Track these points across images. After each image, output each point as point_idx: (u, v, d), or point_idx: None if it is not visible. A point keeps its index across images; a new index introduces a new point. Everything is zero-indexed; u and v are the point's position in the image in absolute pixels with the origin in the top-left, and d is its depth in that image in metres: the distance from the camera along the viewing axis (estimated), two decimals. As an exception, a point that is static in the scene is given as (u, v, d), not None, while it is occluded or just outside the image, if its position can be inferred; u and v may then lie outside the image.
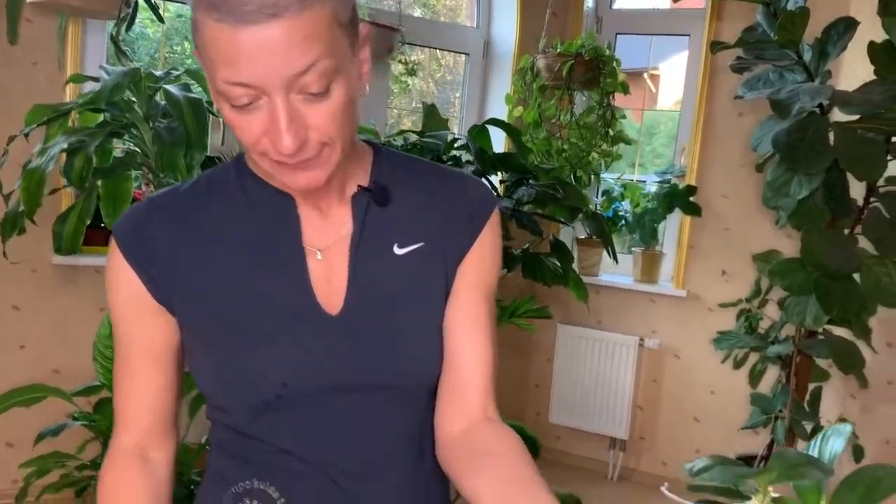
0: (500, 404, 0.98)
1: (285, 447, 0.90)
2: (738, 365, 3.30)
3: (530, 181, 2.32)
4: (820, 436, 0.76)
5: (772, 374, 3.30)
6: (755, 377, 3.21)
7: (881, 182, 2.87)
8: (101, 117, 2.30)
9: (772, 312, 3.26)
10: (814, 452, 0.74)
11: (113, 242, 0.90)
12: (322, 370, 0.88)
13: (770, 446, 3.08)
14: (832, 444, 0.74)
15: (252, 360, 0.87)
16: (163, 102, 2.22)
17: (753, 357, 3.22)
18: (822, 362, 3.09)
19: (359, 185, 0.94)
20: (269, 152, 0.79)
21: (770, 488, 0.66)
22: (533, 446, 2.74)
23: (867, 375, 3.00)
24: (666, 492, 0.71)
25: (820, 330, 3.04)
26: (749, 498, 0.66)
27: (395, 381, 0.91)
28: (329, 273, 0.91)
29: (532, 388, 4.23)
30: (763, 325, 3.28)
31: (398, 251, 0.93)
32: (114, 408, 0.95)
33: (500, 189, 2.77)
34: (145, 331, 0.91)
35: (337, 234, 0.93)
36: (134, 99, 2.24)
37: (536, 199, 2.26)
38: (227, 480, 0.93)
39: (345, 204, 0.94)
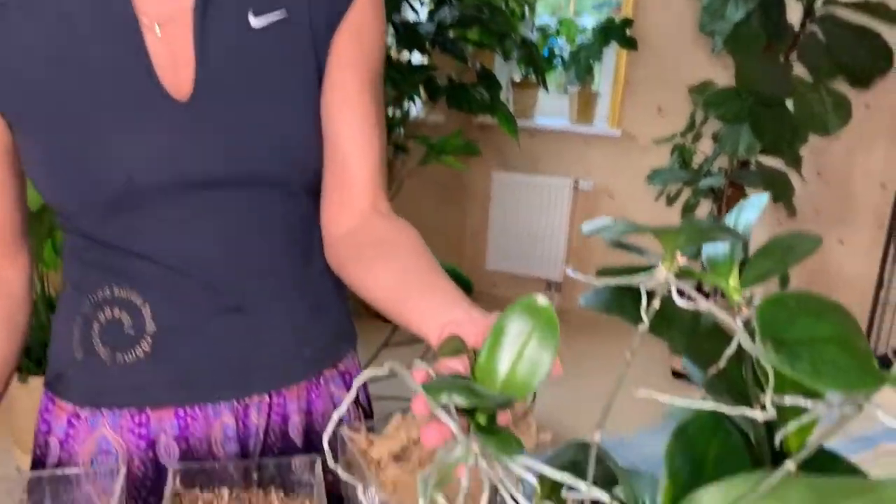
0: (437, 255, 0.88)
1: (142, 251, 0.80)
2: (671, 201, 3.29)
3: (454, 1, 2.14)
4: (736, 208, 0.69)
5: (704, 208, 3.31)
6: (688, 211, 3.21)
7: (818, 4, 2.77)
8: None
9: (705, 147, 3.22)
10: (729, 224, 0.68)
11: None
12: (171, 164, 0.77)
13: (700, 279, 3.13)
14: (746, 215, 0.67)
15: (89, 152, 0.75)
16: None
17: (686, 193, 3.21)
18: (752, 193, 3.10)
19: None
20: None
21: (678, 254, 0.58)
22: (466, 287, 2.71)
23: (795, 205, 3.02)
24: (570, 271, 0.64)
25: (752, 161, 3.03)
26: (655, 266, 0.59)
27: (260, 176, 0.80)
28: (173, 52, 0.78)
29: (469, 237, 4.20)
30: (696, 161, 3.25)
31: (254, 22, 0.79)
32: None
33: (422, 11, 2.58)
34: None
35: (177, 1, 0.78)
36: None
37: (461, 21, 2.09)
38: (85, 290, 0.83)
39: None
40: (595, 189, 3.82)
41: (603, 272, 0.68)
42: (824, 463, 0.59)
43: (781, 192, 2.89)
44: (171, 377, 0.83)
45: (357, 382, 0.47)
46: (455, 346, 0.55)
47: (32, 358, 2.42)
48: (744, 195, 3.09)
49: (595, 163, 3.82)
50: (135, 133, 0.75)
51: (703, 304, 0.56)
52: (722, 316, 0.56)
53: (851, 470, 0.59)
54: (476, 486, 0.59)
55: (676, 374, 3.27)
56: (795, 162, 2.91)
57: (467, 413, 0.50)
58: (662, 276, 0.59)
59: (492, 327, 0.52)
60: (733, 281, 0.63)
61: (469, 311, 0.63)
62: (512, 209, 3.92)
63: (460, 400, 0.44)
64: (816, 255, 3.60)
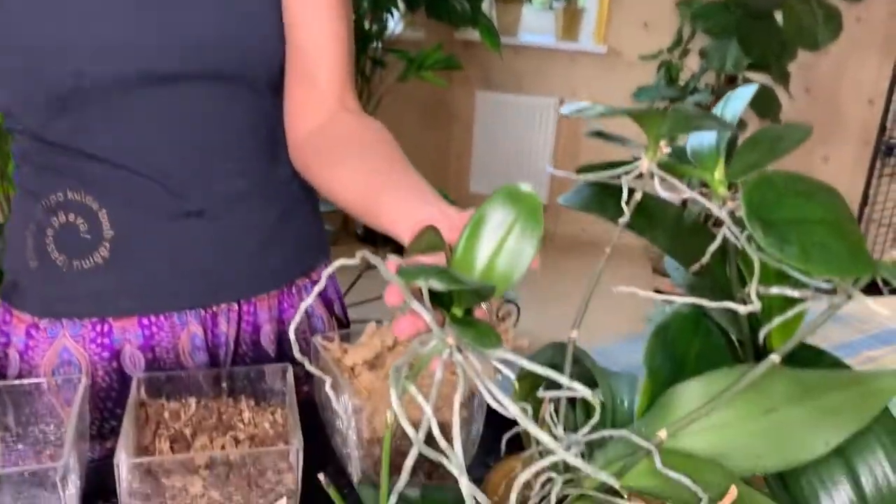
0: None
1: (95, 151, 0.75)
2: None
3: None
4: (724, 99, 0.65)
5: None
6: (673, 130, 3.16)
7: None
8: None
9: (692, 63, 3.15)
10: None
11: None
12: (124, 57, 0.71)
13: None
14: (734, 105, 0.63)
15: (34, 41, 0.69)
16: None
17: (672, 111, 3.16)
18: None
19: None
20: None
21: (662, 144, 0.55)
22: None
23: (782, 121, 2.98)
24: (550, 168, 0.61)
25: (739, 77, 2.97)
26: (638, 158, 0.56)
27: (218, 70, 0.75)
28: None
29: (452, 158, 4.14)
30: (683, 78, 3.18)
31: None
32: None
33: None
34: None
35: None
36: None
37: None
38: (38, 194, 0.79)
39: None
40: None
41: (584, 168, 0.64)
42: (808, 358, 0.58)
43: (768, 108, 2.84)
44: (133, 284, 0.80)
45: (326, 273, 0.45)
46: (429, 239, 0.52)
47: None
48: (730, 112, 3.04)
49: (580, 81, 3.74)
50: (80, 20, 0.70)
51: (688, 193, 0.53)
52: (708, 205, 0.53)
53: (835, 364, 0.57)
54: (450, 387, 0.57)
55: (659, 293, 3.28)
56: (783, 77, 2.86)
57: (443, 307, 0.47)
58: (645, 166, 0.56)
59: (471, 217, 0.49)
60: (718, 174, 0.59)
61: (443, 207, 0.60)
62: (496, 129, 3.85)
63: (437, 284, 0.40)
64: (800, 173, 3.57)
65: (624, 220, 0.55)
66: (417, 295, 0.44)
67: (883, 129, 2.86)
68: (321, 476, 0.40)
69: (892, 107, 2.84)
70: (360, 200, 0.69)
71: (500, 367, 0.45)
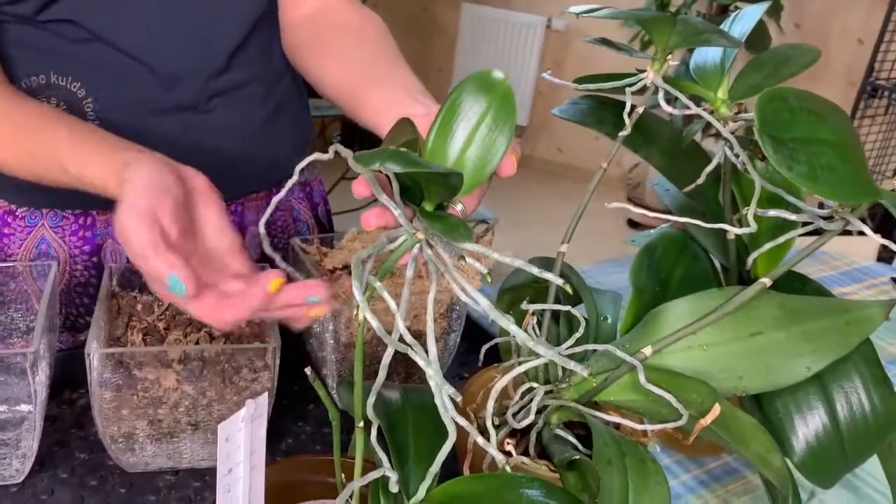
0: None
1: (88, 32, 0.70)
2: (644, 46, 3.18)
3: None
4: (731, 17, 0.63)
5: (678, 54, 3.22)
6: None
7: None
8: None
9: (685, -11, 3.08)
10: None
11: None
12: None
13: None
14: (742, 23, 0.61)
15: None
16: None
17: (661, 37, 3.10)
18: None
19: None
20: None
21: (669, 56, 0.53)
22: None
23: (770, 56, 2.94)
24: (547, 75, 0.58)
25: (731, 6, 2.91)
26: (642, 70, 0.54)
27: None
28: None
29: (434, 73, 4.05)
30: (675, 4, 3.12)
31: None
32: None
33: None
34: None
35: None
36: None
37: None
38: (18, 74, 0.73)
39: None
40: (568, 29, 3.67)
41: (582, 79, 0.62)
42: (793, 286, 0.57)
43: (758, 41, 2.79)
44: None
45: (301, 164, 0.43)
46: (404, 132, 0.49)
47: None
48: (719, 43, 3.00)
49: (571, 1, 3.65)
50: None
51: (695, 109, 0.52)
52: (713, 122, 0.52)
53: (819, 292, 0.57)
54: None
55: (632, 224, 3.30)
56: (775, 10, 2.81)
57: (415, 204, 0.45)
58: (650, 78, 0.54)
59: (443, 106, 0.46)
60: (722, 92, 0.58)
61: (427, 104, 0.58)
62: (480, 46, 3.76)
63: (393, 167, 0.38)
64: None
65: (624, 133, 0.54)
66: (388, 190, 0.42)
67: (871, 69, 2.85)
68: (308, 370, 0.39)
69: (882, 48, 2.81)
70: (347, 91, 0.66)
71: (473, 263, 0.44)
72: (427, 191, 0.45)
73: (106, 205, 0.76)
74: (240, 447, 0.36)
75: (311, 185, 0.94)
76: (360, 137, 2.90)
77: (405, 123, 0.49)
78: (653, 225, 0.57)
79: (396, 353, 0.75)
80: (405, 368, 0.73)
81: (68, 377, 0.69)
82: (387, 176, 0.43)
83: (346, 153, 0.42)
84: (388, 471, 0.38)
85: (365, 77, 0.65)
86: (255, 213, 0.86)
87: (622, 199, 3.71)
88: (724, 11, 2.90)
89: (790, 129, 0.40)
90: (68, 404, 0.68)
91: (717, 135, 0.54)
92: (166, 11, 0.72)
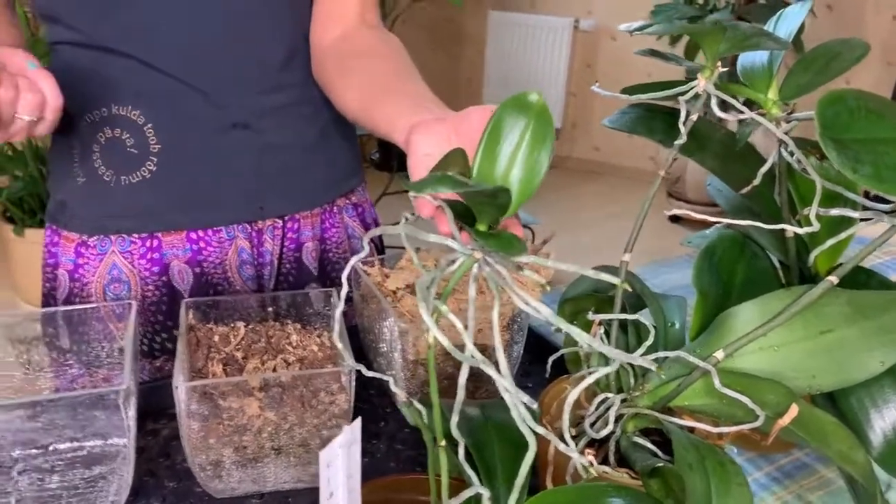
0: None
1: (142, 57, 0.76)
2: (674, 40, 3.17)
3: None
4: (775, 17, 0.63)
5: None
6: (691, 51, 3.09)
7: None
8: None
9: (713, -20, 3.06)
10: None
11: None
12: None
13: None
14: (787, 23, 0.62)
15: None
16: None
17: (691, 30, 3.08)
18: (760, 30, 2.98)
19: None
20: None
21: (719, 63, 0.54)
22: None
23: (804, 42, 2.91)
24: (596, 87, 0.60)
25: (761, -6, 2.89)
26: (694, 78, 0.55)
27: None
28: None
29: (464, 83, 4.08)
30: (703, -4, 3.10)
31: None
32: None
33: None
34: None
35: None
36: None
37: None
38: (81, 110, 0.79)
39: None
40: (597, 29, 3.67)
41: (630, 89, 0.63)
42: (858, 280, 0.58)
43: (791, 27, 2.77)
44: (180, 198, 0.81)
45: (367, 237, 0.44)
46: (456, 159, 0.51)
47: (26, 209, 2.40)
48: (751, 31, 2.97)
49: (596, 1, 3.64)
50: None
51: (748, 114, 0.53)
52: (767, 125, 0.52)
53: (885, 285, 0.58)
54: (490, 312, 0.57)
55: (674, 219, 3.28)
56: (807, -6, 2.77)
57: (469, 227, 0.48)
58: (702, 85, 0.55)
59: (485, 130, 0.49)
60: (772, 93, 0.58)
61: (434, 110, 0.60)
62: (509, 52, 3.78)
63: (445, 190, 0.41)
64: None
65: (680, 141, 0.54)
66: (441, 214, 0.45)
67: (908, 47, 2.79)
68: (401, 394, 0.41)
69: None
70: (361, 109, 0.70)
71: (531, 275, 0.46)
72: (479, 212, 0.47)
73: (168, 226, 0.81)
74: (339, 472, 0.38)
75: (362, 205, 0.97)
76: (397, 155, 2.94)
77: (457, 153, 0.51)
78: (702, 221, 0.57)
79: (461, 368, 0.76)
80: (472, 382, 0.74)
81: (150, 408, 0.72)
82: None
83: (409, 185, 0.45)
84: (479, 488, 0.39)
85: (377, 93, 0.69)
86: (310, 230, 0.90)
87: (660, 195, 3.69)
88: (752, 0, 2.87)
89: (851, 130, 0.41)
90: (153, 435, 0.71)
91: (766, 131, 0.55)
92: (210, 35, 0.77)
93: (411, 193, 0.48)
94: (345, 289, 0.50)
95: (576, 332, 0.40)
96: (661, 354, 0.50)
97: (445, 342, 0.41)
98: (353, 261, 0.52)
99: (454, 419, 0.42)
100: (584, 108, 3.87)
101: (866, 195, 0.52)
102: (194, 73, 0.77)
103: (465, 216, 0.48)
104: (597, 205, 3.42)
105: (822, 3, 3.12)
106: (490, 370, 0.40)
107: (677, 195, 3.41)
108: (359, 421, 0.40)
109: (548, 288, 0.45)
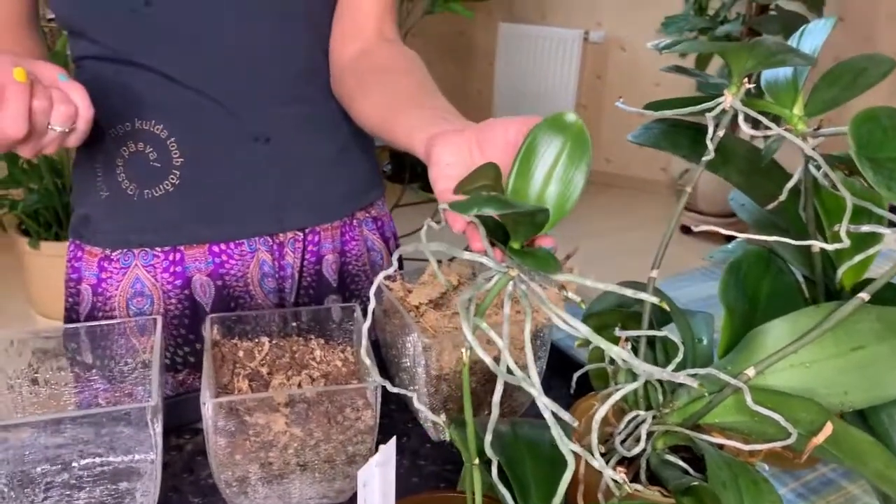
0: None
1: (165, 71, 0.77)
2: (685, 52, 3.17)
3: None
4: (799, 32, 0.63)
5: (719, 61, 3.20)
6: (701, 63, 3.10)
7: None
8: None
9: (723, -9, 3.07)
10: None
11: None
12: None
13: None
14: (812, 39, 0.62)
15: None
16: None
17: (701, 42, 3.09)
18: (771, 41, 2.98)
19: None
20: None
21: (745, 80, 0.54)
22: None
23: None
24: (620, 103, 0.60)
25: (772, 6, 2.89)
26: (720, 94, 0.55)
27: None
28: None
29: (474, 95, 4.09)
30: (713, 6, 3.10)
31: None
32: None
33: None
34: None
35: None
36: None
37: None
38: (104, 125, 0.79)
39: None
40: (606, 40, 3.68)
41: (654, 105, 0.63)
42: (887, 296, 0.57)
43: (802, 38, 2.77)
44: (203, 211, 0.82)
45: (381, 276, 0.45)
46: (486, 172, 0.51)
47: (41, 222, 2.41)
48: (762, 43, 2.97)
49: (606, 11, 3.65)
50: None
51: (776, 130, 0.53)
52: (795, 141, 0.52)
53: (915, 302, 0.57)
54: (516, 328, 0.57)
55: (685, 230, 3.27)
56: (817, 5, 2.78)
57: (502, 244, 0.48)
58: (728, 101, 0.55)
59: (520, 148, 0.49)
60: (798, 109, 0.58)
61: (453, 121, 0.61)
62: (519, 64, 3.79)
63: (490, 210, 0.41)
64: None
65: (707, 157, 0.54)
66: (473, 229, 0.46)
67: (920, 58, 2.79)
68: (442, 417, 0.41)
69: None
70: (381, 121, 0.70)
71: (564, 291, 0.46)
72: (514, 230, 0.48)
73: (191, 239, 0.82)
74: (375, 491, 0.38)
75: (381, 219, 0.97)
76: (409, 166, 2.94)
77: (488, 167, 0.51)
78: (714, 233, 0.57)
79: (486, 384, 0.76)
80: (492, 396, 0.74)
81: (173, 423, 0.72)
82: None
83: (443, 206, 0.45)
84: (515, 506, 0.39)
85: (397, 107, 0.69)
86: (330, 242, 0.91)
87: (672, 206, 3.67)
88: (763, 11, 2.88)
89: (885, 148, 0.41)
90: (177, 450, 0.71)
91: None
92: (231, 49, 0.78)
93: (441, 206, 0.48)
94: (372, 304, 0.50)
95: (614, 350, 0.40)
96: (691, 372, 0.50)
97: (487, 359, 0.42)
98: (380, 277, 0.52)
99: (488, 437, 0.42)
100: (594, 119, 3.87)
101: (892, 210, 0.52)
102: (216, 87, 0.78)
103: (495, 231, 0.48)
104: (608, 216, 3.41)
105: (834, 12, 3.12)
106: (530, 388, 0.40)
107: (689, 206, 3.39)
108: (393, 440, 0.40)
109: (582, 305, 0.45)
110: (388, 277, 0.77)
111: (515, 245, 0.48)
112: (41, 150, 0.63)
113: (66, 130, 0.62)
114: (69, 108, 0.61)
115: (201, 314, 0.84)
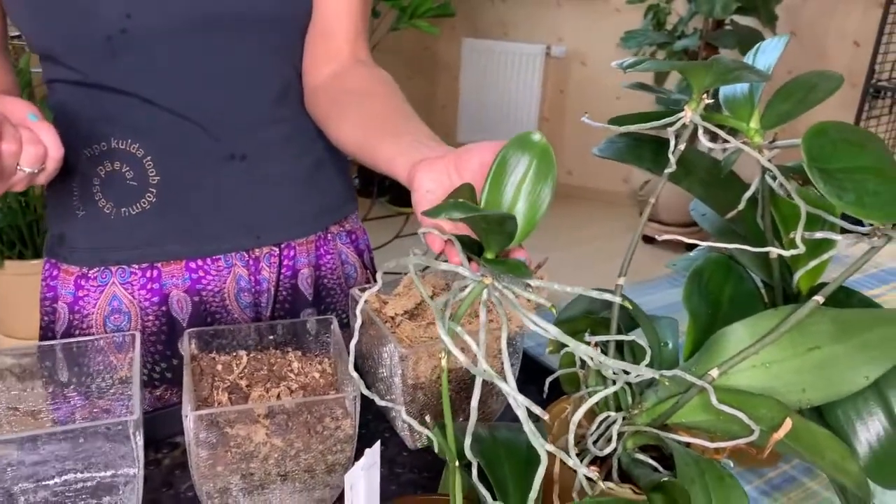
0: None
1: (141, 94, 0.77)
2: (658, 77, 3.24)
3: None
4: (754, 50, 0.67)
5: (677, 75, 3.27)
6: (660, 77, 3.17)
7: None
8: None
9: (679, 8, 3.15)
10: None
11: None
12: (170, 1, 0.73)
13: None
14: (766, 56, 0.65)
15: None
16: None
17: (660, 56, 3.16)
18: (727, 55, 3.06)
19: None
20: None
21: (704, 96, 0.57)
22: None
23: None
24: (586, 119, 0.63)
25: (727, 21, 2.97)
26: (679, 110, 0.57)
27: (255, 14, 0.77)
28: None
29: (439, 109, 4.12)
30: (671, 22, 3.18)
31: None
32: None
33: None
34: None
35: None
36: None
37: None
38: (80, 145, 0.80)
39: None
40: (567, 55, 3.74)
41: (617, 120, 0.66)
42: (840, 298, 0.61)
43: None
44: (179, 229, 0.83)
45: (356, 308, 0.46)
46: (463, 191, 0.54)
47: (5, 241, 2.38)
48: (719, 57, 3.05)
49: (567, 27, 3.72)
50: None
51: (734, 143, 0.56)
52: (755, 154, 0.55)
53: (867, 303, 0.61)
54: (489, 336, 0.59)
55: (648, 240, 3.33)
56: (771, 21, 2.86)
57: (476, 256, 0.51)
58: (689, 116, 0.57)
59: (492, 166, 0.52)
60: (754, 123, 0.62)
61: (433, 147, 0.63)
62: (482, 78, 3.83)
63: (458, 214, 0.44)
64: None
65: (669, 170, 0.57)
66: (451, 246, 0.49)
67: (872, 71, 2.89)
68: (428, 418, 0.43)
69: (881, 49, 2.86)
70: (361, 144, 0.72)
71: (536, 298, 0.49)
72: (487, 242, 0.50)
73: (168, 256, 0.83)
74: (360, 494, 0.40)
75: (355, 232, 0.99)
76: (378, 181, 2.96)
77: (465, 188, 0.54)
78: (674, 242, 0.60)
79: (461, 392, 0.78)
80: (469, 401, 0.76)
81: (151, 437, 0.72)
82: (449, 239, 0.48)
83: (422, 230, 0.47)
84: (495, 504, 0.41)
85: (376, 131, 0.71)
86: (305, 256, 0.92)
87: (634, 216, 3.75)
88: (719, 26, 2.96)
89: (834, 160, 0.43)
90: (155, 464, 0.71)
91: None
92: (208, 70, 0.79)
93: (421, 230, 0.51)
94: (358, 322, 0.52)
95: (581, 348, 0.42)
96: (657, 373, 0.52)
97: (462, 358, 0.44)
98: (365, 296, 0.54)
99: (468, 440, 0.44)
100: (556, 132, 3.93)
101: (844, 217, 0.56)
102: (192, 108, 0.79)
103: (471, 247, 0.51)
104: (572, 227, 3.46)
105: (786, 28, 3.22)
106: (503, 384, 0.42)
107: (651, 217, 3.46)
108: (378, 444, 0.42)
109: (554, 311, 0.48)
110: (362, 289, 0.78)
111: (489, 255, 0.51)
112: (9, 189, 0.63)
113: (36, 171, 0.63)
114: (38, 150, 0.61)
115: (178, 330, 0.85)
